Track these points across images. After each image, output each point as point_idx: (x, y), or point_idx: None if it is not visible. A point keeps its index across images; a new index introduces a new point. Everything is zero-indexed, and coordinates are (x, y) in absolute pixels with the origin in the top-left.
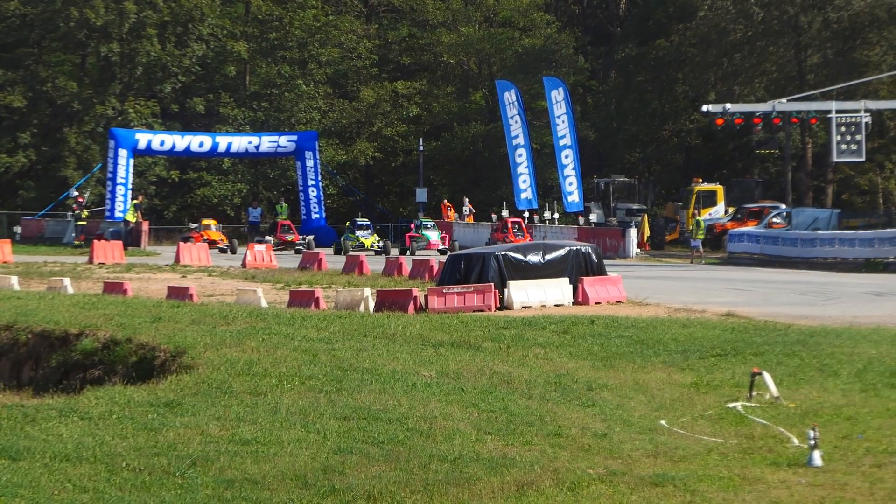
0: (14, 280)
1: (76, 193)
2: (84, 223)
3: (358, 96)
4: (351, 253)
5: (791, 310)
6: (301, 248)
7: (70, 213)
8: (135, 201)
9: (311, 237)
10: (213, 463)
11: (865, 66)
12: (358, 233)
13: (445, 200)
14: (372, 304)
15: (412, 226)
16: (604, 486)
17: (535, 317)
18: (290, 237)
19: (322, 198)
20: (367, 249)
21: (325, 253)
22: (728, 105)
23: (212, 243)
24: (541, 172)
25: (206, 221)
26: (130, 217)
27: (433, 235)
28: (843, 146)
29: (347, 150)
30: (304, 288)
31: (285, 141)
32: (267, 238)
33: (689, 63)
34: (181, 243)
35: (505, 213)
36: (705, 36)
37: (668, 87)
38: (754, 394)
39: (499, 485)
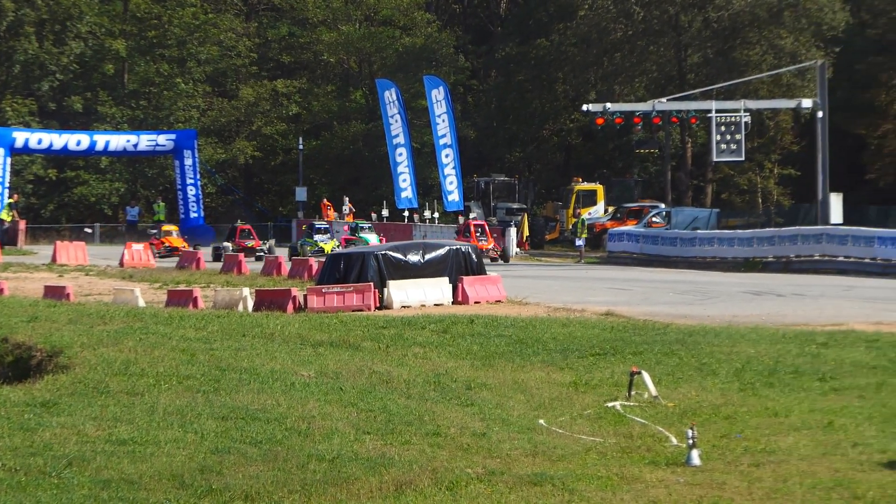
0: None
1: None
2: None
3: (237, 95)
4: (230, 254)
5: (670, 309)
6: (262, 254)
7: None
8: (10, 200)
9: (271, 241)
10: (90, 463)
11: (745, 65)
12: (317, 237)
13: (325, 199)
14: (251, 304)
15: (346, 229)
16: (482, 486)
17: (414, 316)
18: (249, 243)
19: (201, 197)
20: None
21: (203, 253)
22: (608, 104)
23: (173, 250)
24: (421, 171)
25: (166, 227)
26: (5, 216)
27: (372, 238)
28: (723, 146)
29: (226, 149)
30: (182, 287)
31: (164, 139)
32: (225, 244)
33: (570, 62)
34: (58, 242)
35: (385, 212)
36: (586, 35)
37: (548, 86)
38: (633, 393)
39: (377, 484)
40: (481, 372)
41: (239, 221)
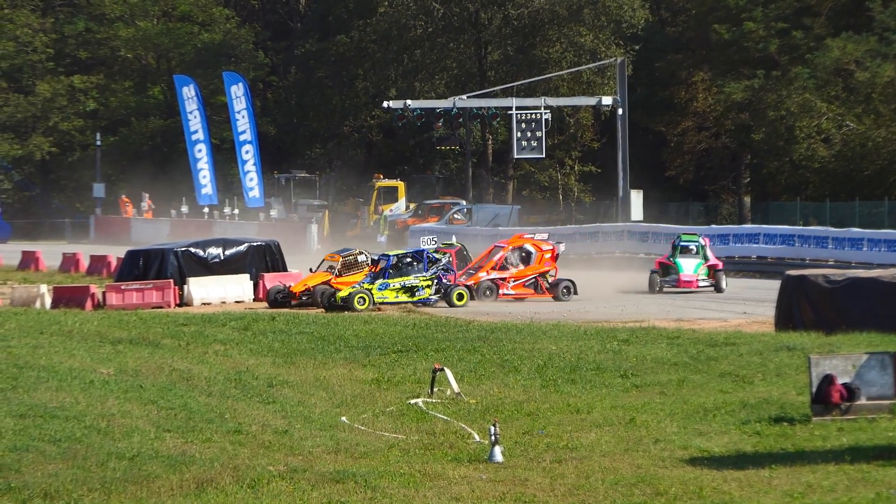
0: None
1: None
2: None
3: (34, 90)
4: (25, 249)
5: (472, 306)
6: None
7: None
8: None
9: None
10: None
11: (546, 63)
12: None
13: (124, 196)
14: (49, 301)
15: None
16: (284, 483)
17: (215, 313)
18: None
19: None
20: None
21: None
22: (409, 101)
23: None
24: (221, 168)
25: None
26: None
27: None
28: (524, 143)
29: (23, 145)
30: None
31: None
32: None
33: (370, 59)
34: None
35: (185, 208)
36: (386, 32)
37: (349, 82)
38: (436, 390)
39: (178, 482)
40: (283, 369)
41: None
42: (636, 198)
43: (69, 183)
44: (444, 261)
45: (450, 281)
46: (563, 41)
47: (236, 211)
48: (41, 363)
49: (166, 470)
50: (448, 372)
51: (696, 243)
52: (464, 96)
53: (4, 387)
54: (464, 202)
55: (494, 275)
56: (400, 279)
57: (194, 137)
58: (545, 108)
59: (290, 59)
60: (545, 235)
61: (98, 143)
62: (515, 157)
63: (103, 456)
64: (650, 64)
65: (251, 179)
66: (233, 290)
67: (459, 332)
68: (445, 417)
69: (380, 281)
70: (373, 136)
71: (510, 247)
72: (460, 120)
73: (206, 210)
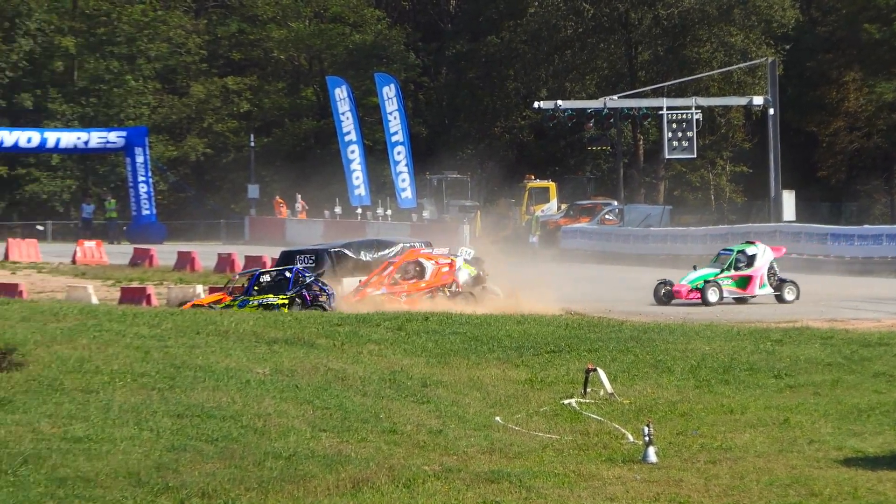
0: None
1: None
2: None
3: (188, 92)
4: (181, 250)
5: (624, 306)
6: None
7: None
8: None
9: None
10: (46, 461)
11: (696, 63)
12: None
13: (278, 197)
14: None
15: None
16: (439, 483)
17: (369, 313)
18: None
19: (153, 194)
20: None
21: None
22: (559, 102)
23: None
24: (374, 169)
25: None
26: None
27: None
28: (675, 143)
29: (178, 146)
30: (135, 285)
31: (115, 137)
32: None
33: (521, 60)
34: (10, 240)
35: (338, 209)
36: (536, 33)
37: (499, 83)
38: (589, 390)
39: (334, 482)
40: (437, 369)
41: None
42: (788, 198)
43: (223, 184)
44: (308, 280)
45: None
46: (714, 41)
47: (389, 212)
48: (198, 363)
49: (322, 469)
50: (601, 372)
51: (738, 252)
52: (614, 96)
53: (162, 387)
54: (615, 202)
55: (384, 289)
56: (260, 297)
57: (347, 139)
58: (696, 108)
59: (441, 60)
60: (445, 250)
61: (252, 144)
62: (667, 157)
63: (260, 455)
64: (801, 64)
65: (403, 180)
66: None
67: (612, 332)
68: (599, 418)
69: (241, 298)
70: (524, 136)
71: (403, 261)
72: (611, 120)
73: (358, 211)
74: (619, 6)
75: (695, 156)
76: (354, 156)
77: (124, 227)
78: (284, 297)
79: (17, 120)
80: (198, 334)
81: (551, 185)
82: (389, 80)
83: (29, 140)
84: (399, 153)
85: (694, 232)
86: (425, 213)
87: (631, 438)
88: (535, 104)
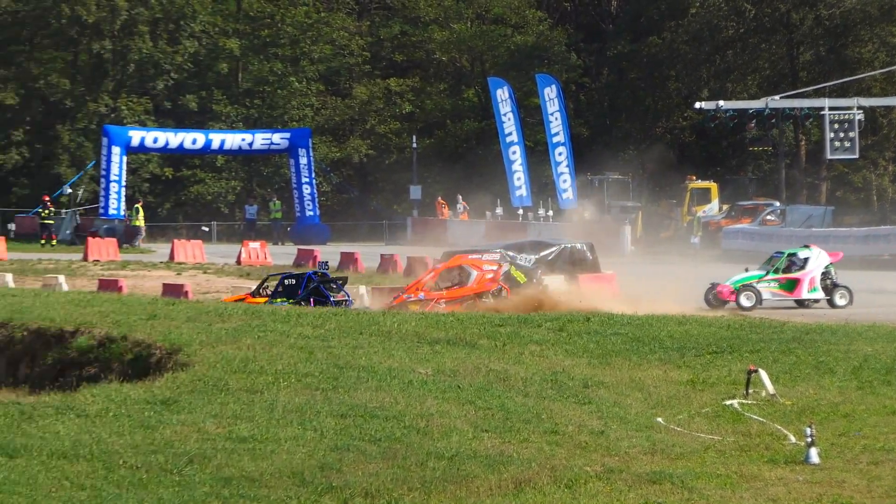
0: (9, 277)
1: (70, 191)
2: (50, 222)
3: (351, 93)
4: (344, 251)
5: (786, 307)
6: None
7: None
8: (137, 205)
9: None
10: (211, 460)
11: (857, 63)
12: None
13: (440, 198)
14: (368, 301)
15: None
16: (601, 484)
17: (530, 314)
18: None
19: (316, 195)
20: None
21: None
22: (721, 102)
23: None
24: (535, 169)
25: None
26: (140, 221)
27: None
28: (837, 143)
29: (341, 148)
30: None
31: (278, 138)
32: None
33: (682, 60)
34: (175, 241)
35: (499, 210)
36: (697, 33)
37: (660, 84)
38: (751, 391)
39: (496, 482)
40: (598, 370)
41: None
42: None
43: (386, 185)
44: (315, 284)
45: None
46: (875, 41)
47: (550, 213)
48: (361, 363)
49: (485, 470)
50: (763, 373)
51: (789, 255)
52: (776, 97)
53: (325, 387)
54: (777, 203)
55: (421, 295)
56: (279, 300)
57: (508, 139)
58: (858, 108)
59: (602, 61)
60: (496, 256)
61: (414, 145)
62: (828, 157)
63: (422, 455)
64: None
65: (564, 181)
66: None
67: (774, 333)
68: (761, 419)
69: (263, 301)
70: (685, 137)
71: (444, 267)
72: (773, 121)
73: (520, 212)
74: (780, 6)
75: (857, 156)
76: (516, 156)
77: (288, 228)
78: (292, 301)
79: (182, 122)
80: (361, 335)
81: (713, 185)
82: (551, 80)
83: (194, 142)
84: (560, 154)
85: (856, 233)
86: (586, 214)
87: (793, 439)
88: (697, 104)
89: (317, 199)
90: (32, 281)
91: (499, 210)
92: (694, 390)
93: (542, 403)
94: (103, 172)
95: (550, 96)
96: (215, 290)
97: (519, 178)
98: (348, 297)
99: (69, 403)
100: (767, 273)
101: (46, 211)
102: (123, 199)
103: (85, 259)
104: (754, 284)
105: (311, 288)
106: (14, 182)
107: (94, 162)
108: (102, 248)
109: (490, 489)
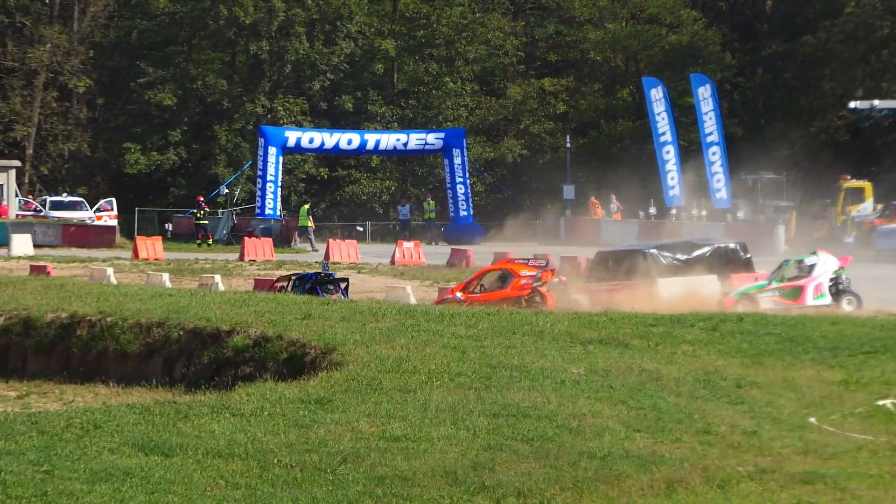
0: (165, 277)
1: (226, 191)
2: (205, 223)
3: (505, 93)
4: (497, 250)
5: None
6: None
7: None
8: (306, 206)
9: None
10: (364, 459)
11: None
12: None
13: (593, 197)
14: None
15: None
16: (753, 484)
17: (683, 314)
18: None
19: (470, 195)
20: None
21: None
22: (876, 101)
23: None
24: (688, 169)
25: None
26: (309, 223)
27: None
28: None
29: (494, 148)
30: (452, 285)
31: (433, 138)
32: None
33: (837, 59)
34: (330, 240)
35: (652, 209)
36: (852, 32)
37: (815, 83)
38: None
39: (648, 482)
40: (751, 370)
41: None
42: None
43: (539, 185)
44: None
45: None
46: None
47: (703, 212)
48: (513, 363)
49: (636, 469)
50: None
51: (796, 262)
52: None
53: (478, 386)
54: None
55: (458, 295)
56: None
57: (662, 139)
58: None
59: (756, 61)
60: (544, 261)
61: (568, 145)
62: None
63: (575, 455)
64: None
65: (718, 181)
66: (700, 291)
67: None
68: None
69: None
70: (839, 136)
71: (490, 269)
72: None
73: (673, 211)
74: None
75: None
76: (669, 156)
77: (442, 228)
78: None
79: (337, 122)
80: (514, 334)
81: (867, 185)
82: (705, 80)
83: (349, 142)
84: (714, 153)
85: None
86: (740, 214)
87: None
88: (851, 104)
89: (470, 199)
90: (189, 281)
91: (652, 210)
92: (847, 390)
93: (694, 403)
94: (259, 173)
95: (704, 96)
96: (369, 290)
97: (672, 178)
98: (345, 297)
99: (224, 402)
100: (771, 282)
101: (201, 212)
102: (279, 199)
103: (241, 259)
104: (755, 294)
105: (308, 288)
106: (171, 182)
107: (250, 162)
108: (258, 248)
109: (642, 489)
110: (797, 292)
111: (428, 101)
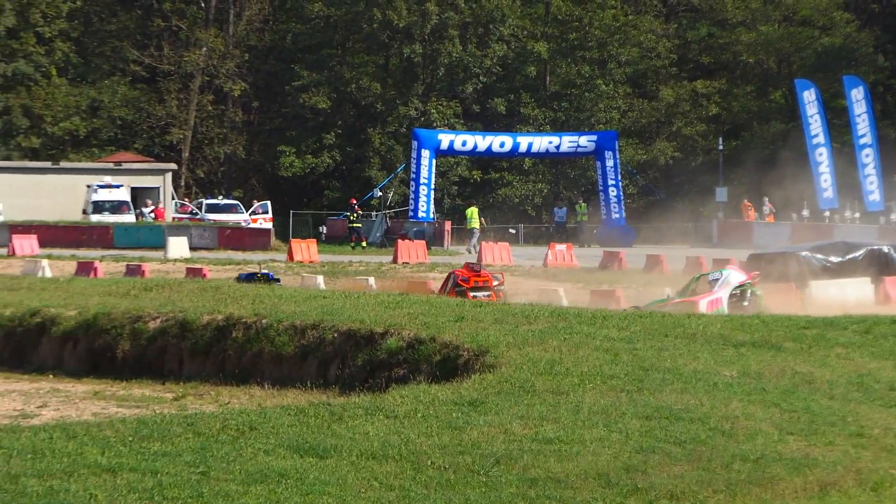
0: (320, 279)
1: (380, 194)
2: (358, 226)
3: (657, 96)
4: (650, 253)
5: None
6: None
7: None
8: (475, 208)
9: None
10: (517, 461)
11: None
12: None
13: (746, 200)
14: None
15: None
16: None
17: (836, 316)
18: None
19: (622, 197)
20: None
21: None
22: None
23: None
24: (841, 171)
25: None
26: (477, 224)
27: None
28: None
29: (647, 150)
30: (604, 288)
31: (585, 141)
32: None
33: None
34: (483, 243)
35: (805, 212)
36: None
37: None
38: None
39: (801, 484)
40: None
41: None
42: None
43: (691, 187)
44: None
45: None
46: None
47: (857, 214)
48: (666, 365)
49: (789, 472)
50: None
51: (700, 277)
52: None
53: (630, 389)
54: None
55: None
56: None
57: (815, 141)
58: None
59: None
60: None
61: (720, 147)
62: None
63: (727, 458)
64: None
65: (871, 183)
66: (853, 293)
67: None
68: None
69: None
70: None
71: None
72: None
73: (826, 214)
74: None
75: None
76: (822, 158)
77: (594, 231)
78: None
79: (490, 125)
80: (666, 337)
81: None
82: (858, 82)
83: (502, 145)
84: (867, 156)
85: None
86: (893, 216)
87: None
88: None
89: (623, 202)
90: (343, 283)
91: (805, 212)
92: None
93: (847, 406)
94: (413, 175)
95: (857, 98)
96: (522, 293)
97: (825, 180)
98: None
99: (378, 404)
100: (670, 298)
101: (354, 214)
102: (432, 202)
103: (394, 261)
104: (655, 309)
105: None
106: (326, 185)
107: (403, 165)
108: (412, 251)
109: (795, 491)
110: (691, 308)
111: (580, 103)
